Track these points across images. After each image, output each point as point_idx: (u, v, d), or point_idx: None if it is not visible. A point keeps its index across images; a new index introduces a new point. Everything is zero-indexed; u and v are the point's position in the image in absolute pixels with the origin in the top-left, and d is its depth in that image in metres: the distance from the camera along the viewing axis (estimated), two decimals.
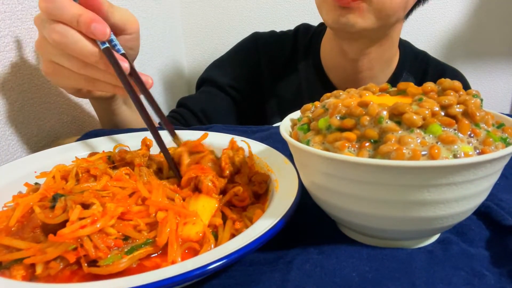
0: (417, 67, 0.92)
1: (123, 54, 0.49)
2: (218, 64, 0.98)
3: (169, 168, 0.48)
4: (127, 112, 0.72)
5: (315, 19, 0.98)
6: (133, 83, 0.49)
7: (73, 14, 0.46)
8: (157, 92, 1.23)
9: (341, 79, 0.89)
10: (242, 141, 0.51)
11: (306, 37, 0.95)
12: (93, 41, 0.47)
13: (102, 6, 0.49)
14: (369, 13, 0.70)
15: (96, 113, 0.75)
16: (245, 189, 0.43)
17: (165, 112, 1.28)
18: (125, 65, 0.47)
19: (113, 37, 0.50)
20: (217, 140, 0.55)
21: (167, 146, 0.48)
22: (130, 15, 0.55)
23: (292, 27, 1.00)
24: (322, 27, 0.94)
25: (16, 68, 0.62)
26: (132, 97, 0.47)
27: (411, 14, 0.85)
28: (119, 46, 0.50)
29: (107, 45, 0.47)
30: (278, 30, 1.01)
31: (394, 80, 0.88)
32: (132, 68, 0.49)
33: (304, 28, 0.97)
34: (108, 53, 0.47)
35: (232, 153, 0.47)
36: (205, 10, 1.44)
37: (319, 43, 0.92)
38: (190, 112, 0.90)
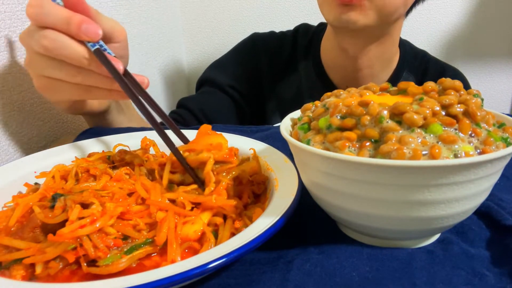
0: (417, 66, 0.92)
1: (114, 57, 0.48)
2: (217, 65, 0.98)
3: (187, 172, 0.43)
4: (124, 122, 0.71)
5: (315, 19, 0.98)
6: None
7: (63, 17, 0.46)
8: (157, 92, 1.24)
9: (341, 77, 0.89)
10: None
11: (306, 37, 0.95)
12: (83, 44, 0.47)
13: (89, 12, 0.48)
14: (371, 10, 0.70)
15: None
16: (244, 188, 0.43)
17: (166, 112, 1.28)
18: (118, 65, 0.46)
19: (102, 42, 0.49)
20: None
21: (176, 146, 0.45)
22: (117, 23, 0.54)
23: (292, 27, 1.00)
24: (321, 26, 0.94)
25: (16, 68, 0.62)
26: (130, 95, 0.45)
27: (411, 12, 0.85)
28: (109, 50, 0.49)
29: (98, 46, 0.47)
30: (278, 30, 1.01)
31: (394, 79, 0.88)
32: (125, 70, 0.48)
33: (303, 28, 0.97)
34: (99, 53, 0.46)
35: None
36: (205, 10, 1.44)
37: (319, 42, 0.92)
38: (189, 112, 0.90)
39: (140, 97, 0.46)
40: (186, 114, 0.90)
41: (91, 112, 0.65)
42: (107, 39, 0.52)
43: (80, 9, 0.47)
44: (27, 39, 0.48)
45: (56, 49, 0.46)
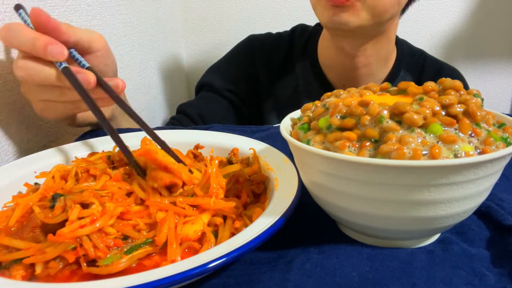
0: (414, 65, 0.92)
1: (89, 68, 0.49)
2: (215, 69, 1.00)
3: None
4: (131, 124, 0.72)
5: (314, 19, 0.98)
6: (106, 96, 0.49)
7: (28, 39, 0.46)
8: (157, 92, 1.23)
9: (338, 77, 0.90)
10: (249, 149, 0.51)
11: (303, 38, 0.95)
12: (53, 65, 0.48)
13: (60, 27, 0.49)
14: (363, 11, 0.70)
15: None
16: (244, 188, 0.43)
17: (166, 113, 1.28)
18: (87, 77, 0.47)
19: (75, 53, 0.50)
20: (217, 140, 0.55)
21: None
22: (94, 32, 0.55)
23: (291, 26, 1.00)
24: (319, 26, 0.95)
25: None
26: (93, 111, 0.46)
27: (407, 10, 0.85)
28: (83, 62, 0.50)
29: (65, 64, 0.47)
30: (277, 29, 1.02)
31: (391, 78, 0.88)
32: (99, 80, 0.48)
33: (301, 29, 0.98)
34: (67, 72, 0.47)
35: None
36: (205, 10, 1.44)
37: (316, 42, 0.92)
38: (188, 118, 0.92)
39: (103, 114, 0.46)
40: (184, 119, 0.92)
41: (95, 123, 0.67)
42: (86, 49, 0.53)
43: (49, 27, 0.48)
44: (14, 71, 0.49)
45: (30, 77, 0.48)
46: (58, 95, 0.50)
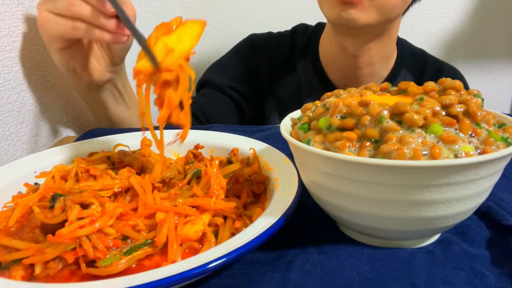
0: (415, 64, 0.92)
1: None
2: (216, 66, 0.99)
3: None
4: (119, 108, 0.72)
5: (314, 19, 0.98)
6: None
7: None
8: None
9: (340, 76, 0.90)
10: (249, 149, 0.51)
11: (304, 37, 0.95)
12: None
13: None
14: (371, 8, 0.71)
15: (90, 111, 0.75)
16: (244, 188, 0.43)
17: None
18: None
19: None
20: (217, 140, 0.55)
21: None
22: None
23: (291, 27, 1.00)
24: (320, 26, 0.95)
25: (16, 68, 0.62)
26: (129, 26, 0.49)
27: (408, 11, 0.85)
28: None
29: None
30: (277, 29, 1.02)
31: (392, 77, 0.88)
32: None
33: (302, 28, 0.98)
34: None
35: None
36: (205, 10, 1.44)
37: (317, 41, 0.92)
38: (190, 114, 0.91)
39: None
40: None
41: (87, 78, 0.65)
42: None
43: None
44: None
45: None
46: (72, 3, 0.52)
